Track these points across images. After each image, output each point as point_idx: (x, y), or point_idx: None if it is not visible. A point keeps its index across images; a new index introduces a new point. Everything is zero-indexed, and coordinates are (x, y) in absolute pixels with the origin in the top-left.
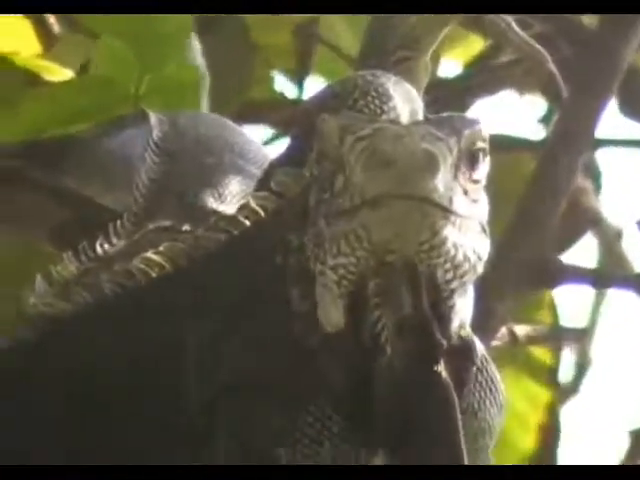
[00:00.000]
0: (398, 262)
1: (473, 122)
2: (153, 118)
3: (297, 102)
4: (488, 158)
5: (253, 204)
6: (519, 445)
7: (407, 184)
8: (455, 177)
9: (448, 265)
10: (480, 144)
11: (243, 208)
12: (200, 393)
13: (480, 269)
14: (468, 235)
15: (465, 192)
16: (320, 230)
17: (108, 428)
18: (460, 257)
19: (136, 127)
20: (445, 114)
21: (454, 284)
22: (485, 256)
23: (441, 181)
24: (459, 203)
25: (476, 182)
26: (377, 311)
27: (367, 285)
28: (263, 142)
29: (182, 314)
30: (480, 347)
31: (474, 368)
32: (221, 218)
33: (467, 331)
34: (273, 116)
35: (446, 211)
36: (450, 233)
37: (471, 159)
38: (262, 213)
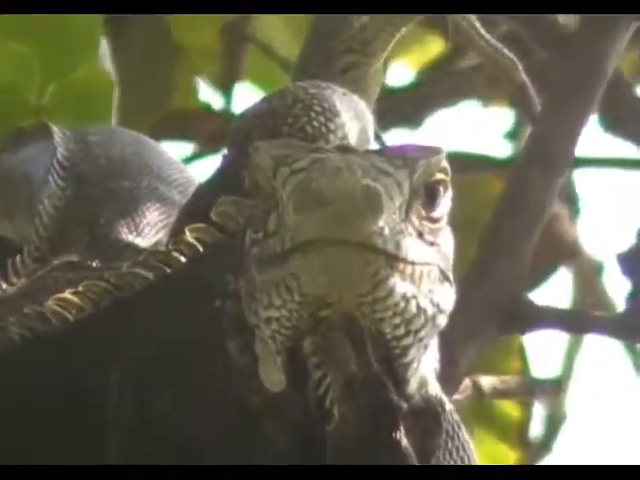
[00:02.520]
0: (336, 317)
1: (430, 151)
2: (57, 133)
3: (225, 113)
4: (450, 193)
5: (190, 237)
6: None
7: (343, 227)
8: (406, 217)
9: (397, 320)
10: (439, 176)
11: (178, 242)
12: (120, 455)
13: (442, 321)
14: (423, 284)
15: (420, 234)
16: (252, 276)
17: None
18: (412, 310)
19: (38, 143)
20: (399, 144)
21: (407, 340)
22: (449, 306)
23: (386, 223)
24: (410, 247)
25: (435, 221)
26: (318, 371)
27: (304, 342)
28: (185, 160)
29: (104, 364)
30: (450, 409)
31: (442, 434)
32: (152, 253)
33: (433, 390)
34: (197, 130)
35: (392, 258)
36: (397, 283)
37: (428, 195)
38: (200, 248)
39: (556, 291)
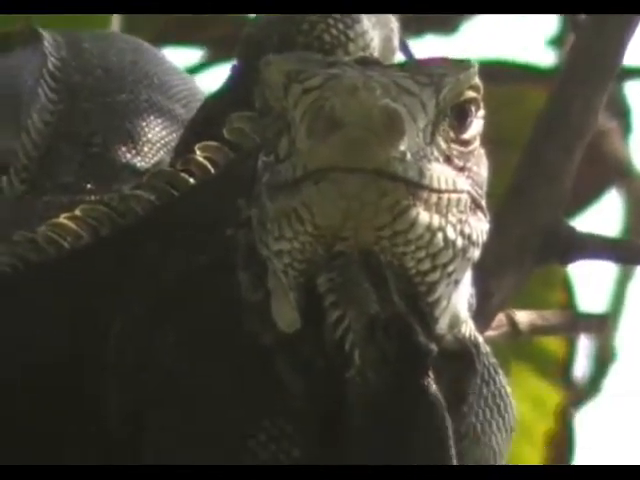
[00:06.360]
0: (352, 251)
1: (460, 65)
2: (48, 39)
3: (237, 17)
4: (482, 112)
5: (200, 157)
6: (522, 461)
7: (359, 153)
8: (432, 140)
9: (422, 253)
10: (469, 94)
11: (186, 162)
12: (121, 398)
13: (474, 254)
14: (451, 214)
15: (448, 158)
16: (263, 204)
17: (12, 428)
18: (439, 242)
19: (26, 50)
20: (425, 57)
21: (434, 276)
22: (481, 237)
23: (408, 147)
24: (436, 173)
25: (465, 144)
26: (335, 311)
27: (319, 278)
28: (190, 69)
29: (103, 296)
30: (487, 351)
31: (477, 379)
32: (157, 173)
33: (467, 330)
34: (205, 34)
35: (414, 186)
36: (421, 214)
37: (457, 115)
38: (211, 169)
39: (604, 217)
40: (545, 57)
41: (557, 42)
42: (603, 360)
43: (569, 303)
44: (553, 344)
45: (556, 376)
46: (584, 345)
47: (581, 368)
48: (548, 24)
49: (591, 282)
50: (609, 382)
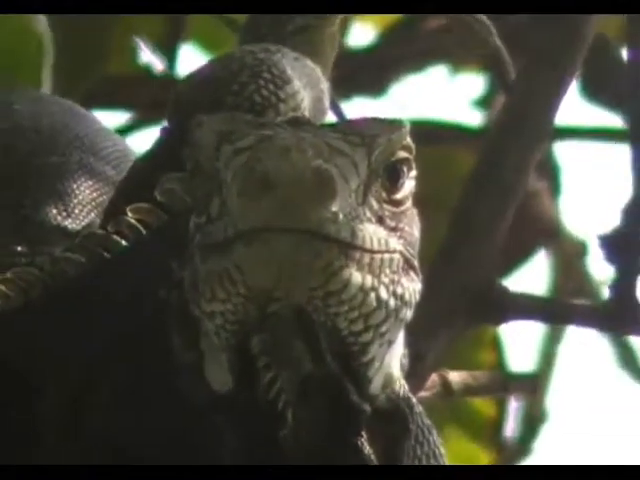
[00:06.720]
0: (285, 312)
1: (392, 126)
2: None
3: (166, 78)
4: (414, 172)
5: (131, 219)
6: None
7: (291, 214)
8: (364, 201)
9: (355, 314)
10: (401, 155)
11: (118, 224)
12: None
13: (406, 314)
14: (384, 274)
15: (380, 219)
16: (195, 265)
17: None
18: (372, 303)
19: None
20: (357, 117)
21: (367, 336)
22: (414, 298)
23: (340, 208)
24: (369, 234)
25: (397, 204)
26: (268, 372)
27: (251, 339)
28: (120, 130)
29: (33, 359)
30: (420, 411)
31: (411, 440)
32: (88, 235)
33: (400, 389)
34: (135, 96)
35: (346, 246)
36: (353, 274)
37: (390, 175)
38: (143, 231)
39: (534, 276)
40: (472, 117)
41: (484, 103)
42: (533, 421)
43: (499, 363)
44: (483, 405)
45: (486, 437)
46: (514, 406)
47: (511, 429)
48: (474, 85)
49: (520, 342)
50: (539, 443)
